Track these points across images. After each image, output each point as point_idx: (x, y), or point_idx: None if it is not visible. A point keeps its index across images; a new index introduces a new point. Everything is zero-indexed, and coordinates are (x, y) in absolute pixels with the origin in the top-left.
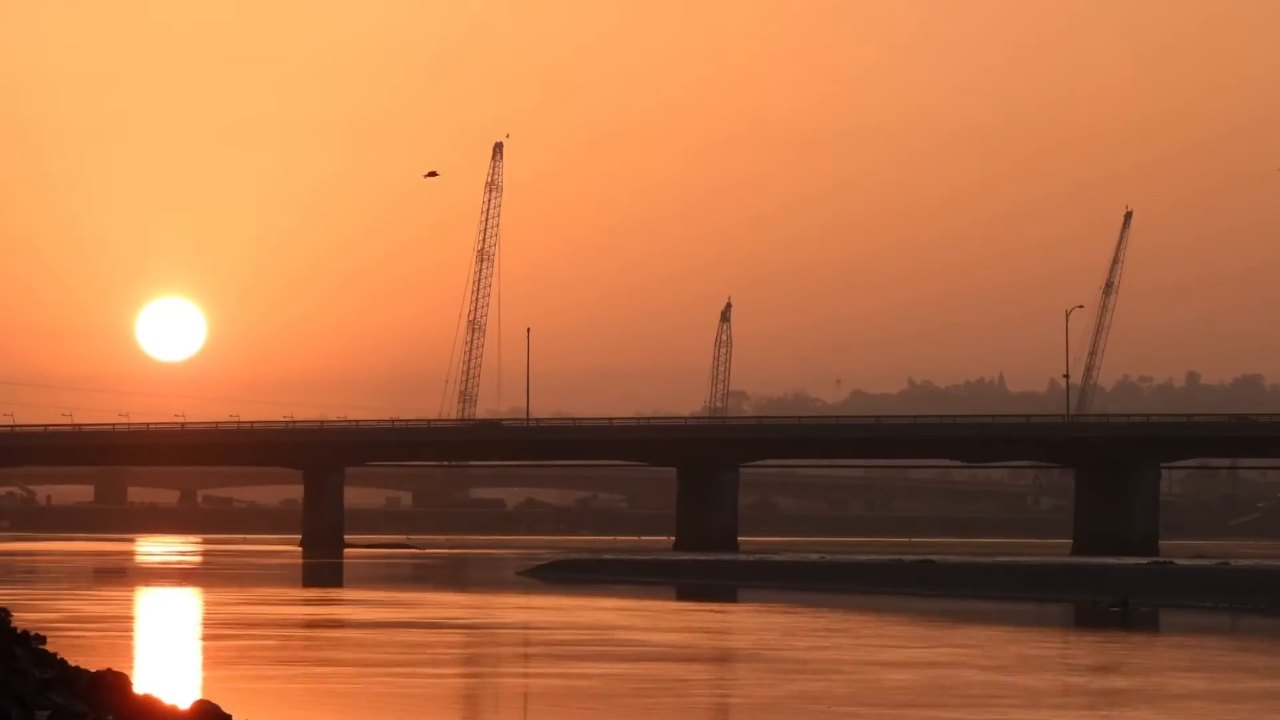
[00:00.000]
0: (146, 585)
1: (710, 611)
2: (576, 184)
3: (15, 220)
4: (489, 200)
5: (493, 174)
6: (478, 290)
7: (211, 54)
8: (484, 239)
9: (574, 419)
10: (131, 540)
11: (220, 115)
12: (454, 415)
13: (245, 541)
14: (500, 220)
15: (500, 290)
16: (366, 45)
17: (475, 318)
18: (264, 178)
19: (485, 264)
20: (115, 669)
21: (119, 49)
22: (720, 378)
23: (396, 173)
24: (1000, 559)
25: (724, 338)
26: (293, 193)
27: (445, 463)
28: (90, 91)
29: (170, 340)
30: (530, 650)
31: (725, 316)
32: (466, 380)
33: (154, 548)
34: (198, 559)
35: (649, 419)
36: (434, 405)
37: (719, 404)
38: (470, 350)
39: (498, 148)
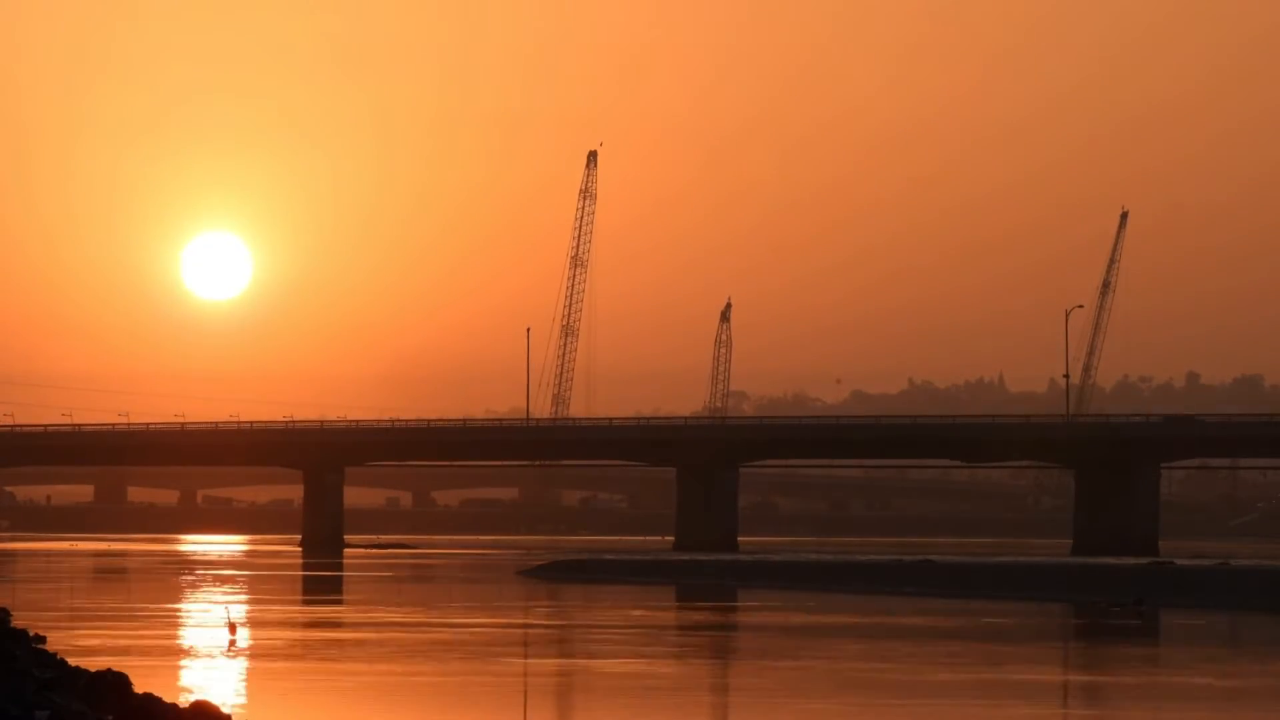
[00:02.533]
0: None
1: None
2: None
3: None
4: (583, 207)
5: (586, 182)
6: (571, 295)
7: (257, 51)
8: (578, 245)
9: (574, 419)
10: (177, 540)
11: (286, 111)
12: (547, 416)
13: (245, 542)
14: (594, 227)
15: (595, 294)
16: (458, 45)
17: (569, 322)
18: (323, 173)
19: (578, 269)
20: (115, 669)
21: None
22: (720, 378)
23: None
24: (1000, 559)
25: (724, 338)
26: (369, 190)
27: (444, 462)
28: (113, 89)
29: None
30: (525, 647)
31: (725, 316)
32: (560, 383)
33: (153, 548)
34: (197, 560)
35: (649, 419)
36: (434, 405)
37: (719, 404)
38: (564, 353)
39: (592, 156)
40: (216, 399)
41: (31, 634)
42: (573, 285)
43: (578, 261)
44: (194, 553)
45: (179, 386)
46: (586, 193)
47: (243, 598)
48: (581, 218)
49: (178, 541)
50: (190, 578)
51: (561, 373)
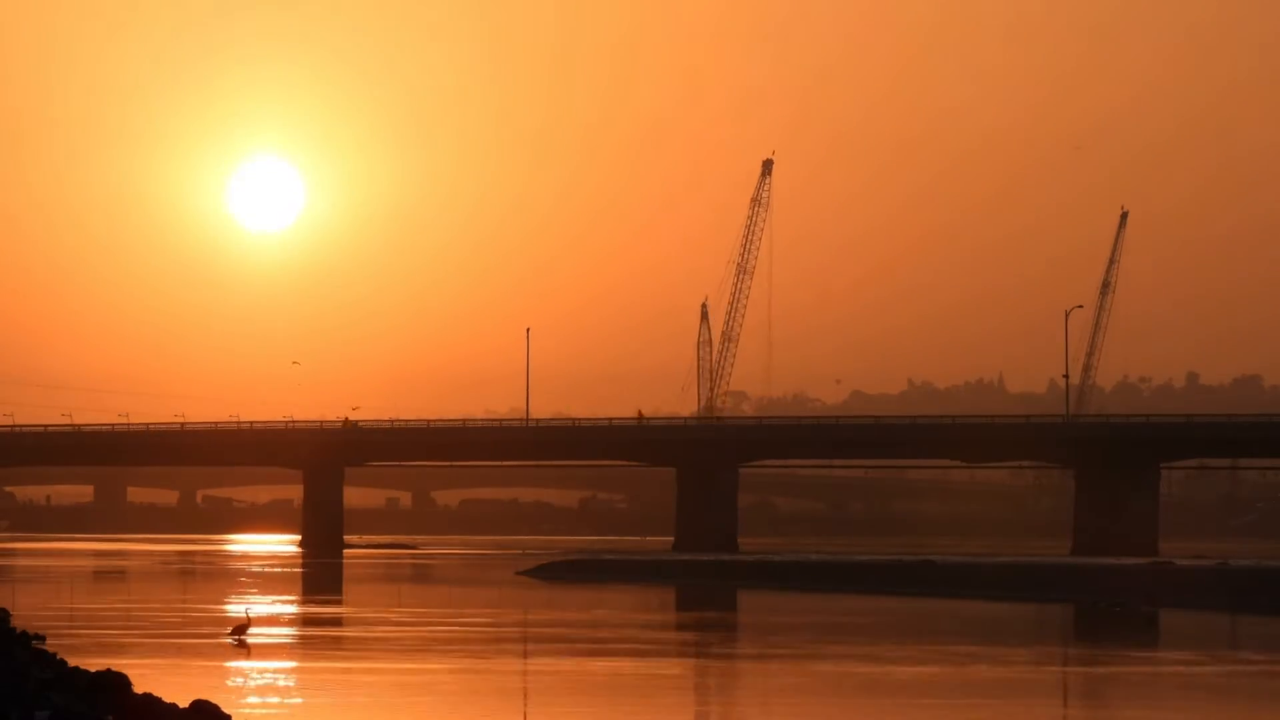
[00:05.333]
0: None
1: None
2: (580, 182)
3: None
4: (754, 215)
5: (759, 190)
6: (735, 301)
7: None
8: (745, 253)
9: (574, 419)
10: (222, 541)
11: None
12: (693, 416)
13: (245, 542)
14: (765, 237)
15: (749, 303)
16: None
17: (729, 328)
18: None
19: (743, 277)
20: (115, 669)
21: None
22: (704, 378)
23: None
24: (1000, 559)
25: (704, 338)
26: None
27: (444, 463)
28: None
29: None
30: (526, 645)
31: (704, 317)
32: (713, 388)
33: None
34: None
35: (649, 419)
36: (434, 405)
37: (709, 405)
38: (723, 359)
39: (767, 165)
40: (216, 399)
41: (31, 634)
42: (736, 292)
43: (743, 269)
44: (238, 552)
45: (179, 387)
46: (758, 201)
47: (256, 597)
48: (752, 226)
49: (225, 541)
50: (245, 578)
51: (718, 377)
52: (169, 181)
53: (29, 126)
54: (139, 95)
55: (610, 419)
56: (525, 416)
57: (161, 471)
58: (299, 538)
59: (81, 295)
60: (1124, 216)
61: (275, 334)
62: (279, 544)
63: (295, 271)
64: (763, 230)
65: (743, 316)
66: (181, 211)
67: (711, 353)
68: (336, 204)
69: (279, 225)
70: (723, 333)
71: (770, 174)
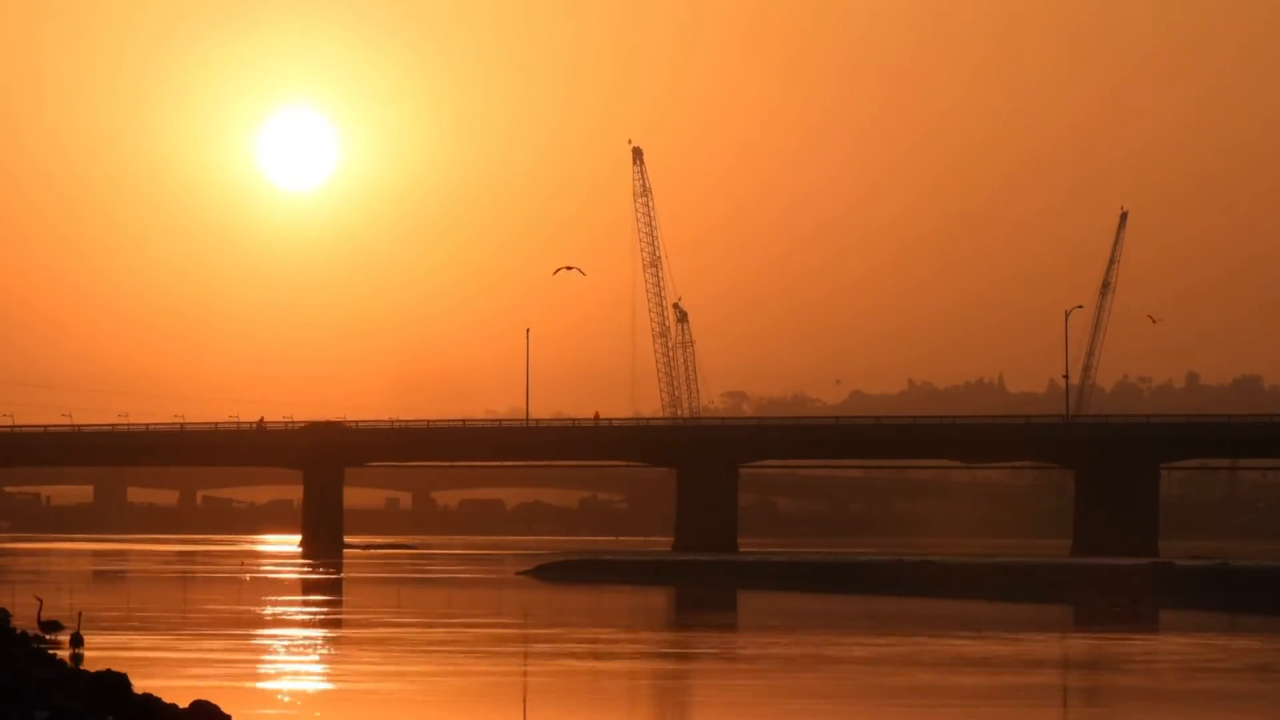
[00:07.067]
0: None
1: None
2: (578, 180)
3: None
4: (640, 206)
5: (636, 180)
6: (659, 297)
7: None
8: (646, 247)
9: (574, 419)
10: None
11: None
12: (664, 416)
13: (245, 542)
14: (658, 224)
15: (666, 293)
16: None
17: (661, 326)
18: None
19: (652, 270)
20: (115, 669)
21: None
22: (678, 380)
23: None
24: (1000, 559)
25: (686, 338)
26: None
27: (445, 463)
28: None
29: None
30: (526, 645)
31: (681, 318)
32: (672, 386)
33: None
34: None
35: (649, 419)
36: (434, 405)
37: (691, 408)
38: (669, 357)
39: (637, 153)
40: (216, 399)
41: (31, 634)
42: (658, 287)
43: (650, 263)
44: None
45: (179, 387)
46: (642, 191)
47: (255, 597)
48: (646, 217)
49: (225, 542)
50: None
51: (671, 375)
52: (191, 143)
53: (28, 106)
54: (149, 52)
55: (610, 419)
56: (525, 416)
57: (161, 471)
58: (300, 538)
59: (81, 295)
60: (1124, 217)
61: (277, 333)
62: (280, 544)
63: (305, 263)
64: (655, 218)
65: (668, 310)
66: (206, 178)
67: (686, 353)
68: (370, 166)
69: (309, 184)
70: (657, 332)
71: (642, 162)
